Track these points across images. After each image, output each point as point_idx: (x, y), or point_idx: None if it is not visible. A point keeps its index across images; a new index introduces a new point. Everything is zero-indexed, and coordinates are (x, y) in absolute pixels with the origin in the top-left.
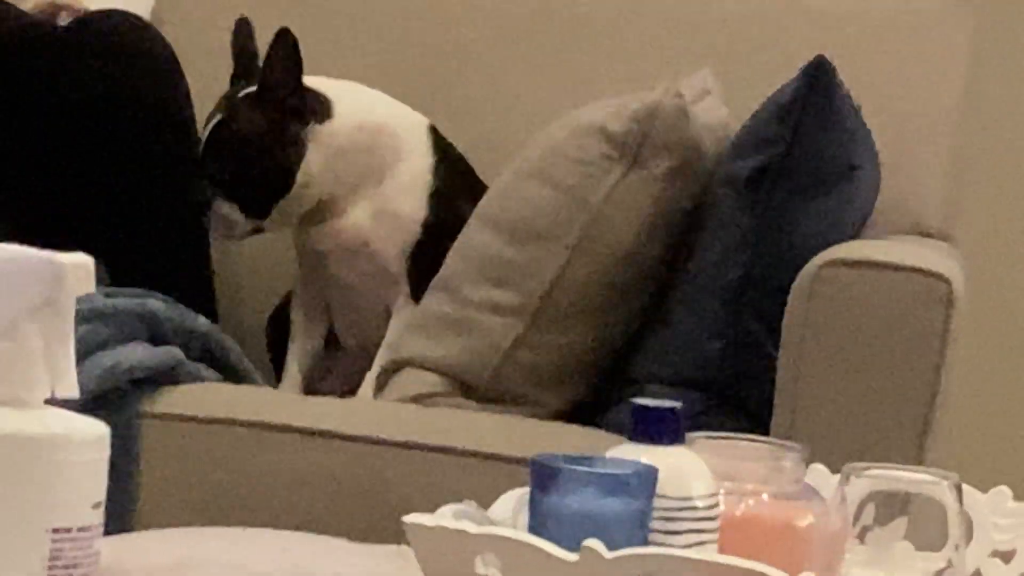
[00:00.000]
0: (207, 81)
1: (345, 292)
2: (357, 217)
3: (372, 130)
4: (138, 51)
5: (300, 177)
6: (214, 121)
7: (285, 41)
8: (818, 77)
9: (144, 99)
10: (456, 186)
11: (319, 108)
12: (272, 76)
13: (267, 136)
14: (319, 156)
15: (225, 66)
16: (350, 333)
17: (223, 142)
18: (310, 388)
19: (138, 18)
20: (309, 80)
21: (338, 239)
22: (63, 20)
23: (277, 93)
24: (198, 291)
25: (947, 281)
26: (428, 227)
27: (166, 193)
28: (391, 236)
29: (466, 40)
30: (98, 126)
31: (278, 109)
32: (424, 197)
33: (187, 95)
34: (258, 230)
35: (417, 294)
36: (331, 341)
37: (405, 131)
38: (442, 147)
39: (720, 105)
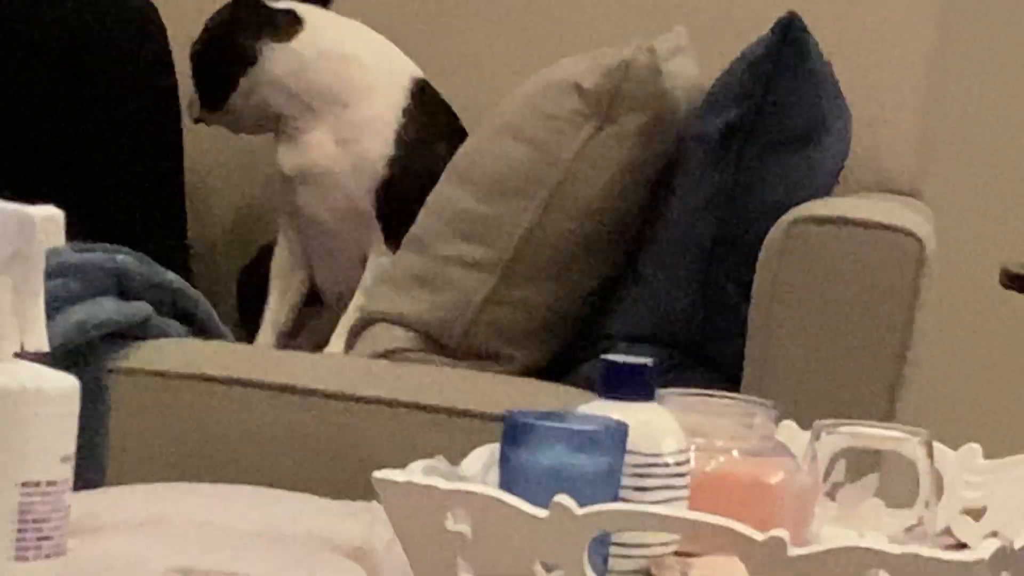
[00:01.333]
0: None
1: (321, 235)
2: (319, 140)
3: (337, 59)
4: (117, 7)
5: (243, 85)
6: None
7: None
8: (789, 33)
9: (122, 52)
10: (432, 133)
11: (283, 28)
12: None
13: (220, 39)
14: (269, 70)
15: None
16: (329, 282)
17: (201, 30)
18: (284, 344)
19: None
20: (296, 5)
21: (302, 160)
22: None
23: (241, 3)
24: (172, 247)
25: (918, 238)
26: (394, 165)
27: (141, 147)
28: (355, 168)
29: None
30: (73, 77)
31: (236, 18)
32: (390, 135)
33: (166, 50)
34: (206, 121)
35: (391, 239)
36: (309, 299)
37: (380, 70)
38: (424, 97)
39: (693, 62)
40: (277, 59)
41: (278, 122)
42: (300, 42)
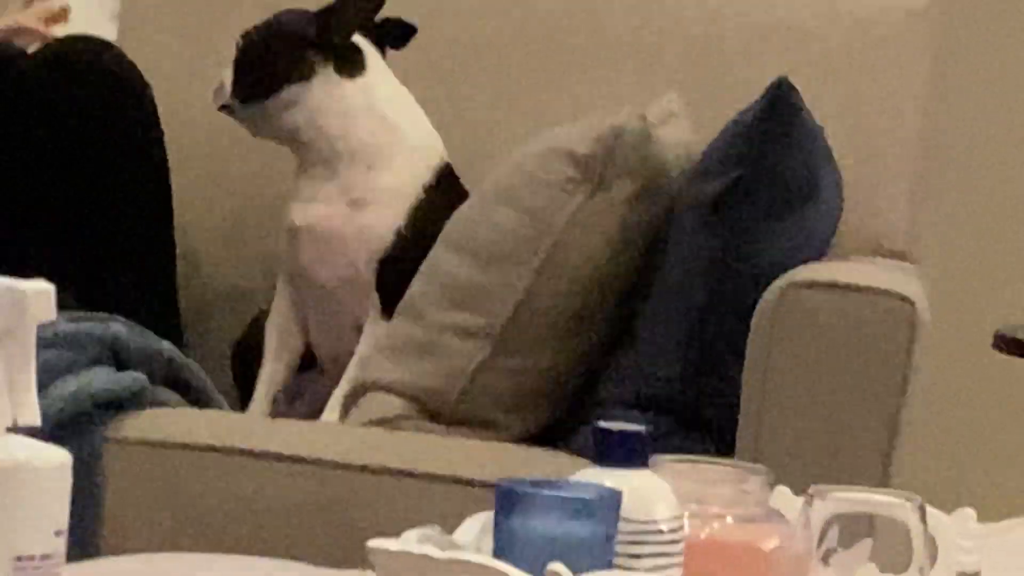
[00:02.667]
0: (170, 104)
1: (319, 296)
2: (333, 197)
3: (380, 118)
4: (108, 77)
5: (285, 94)
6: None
7: None
8: (780, 98)
9: (112, 124)
10: (444, 215)
11: (347, 63)
12: (340, 4)
13: (288, 39)
14: (316, 96)
15: (187, 89)
16: (324, 344)
17: (267, 20)
18: (281, 411)
19: (107, 43)
20: (366, 47)
21: (311, 215)
22: (25, 44)
23: (330, 20)
24: (165, 315)
25: (911, 302)
26: (401, 239)
27: (133, 217)
28: (361, 234)
29: (436, 65)
30: (66, 151)
31: (319, 30)
32: (405, 208)
33: (156, 119)
34: (231, 110)
35: (387, 310)
36: (305, 364)
37: (413, 143)
38: (446, 179)
39: (686, 128)
40: (329, 91)
41: (296, 153)
42: (355, 86)
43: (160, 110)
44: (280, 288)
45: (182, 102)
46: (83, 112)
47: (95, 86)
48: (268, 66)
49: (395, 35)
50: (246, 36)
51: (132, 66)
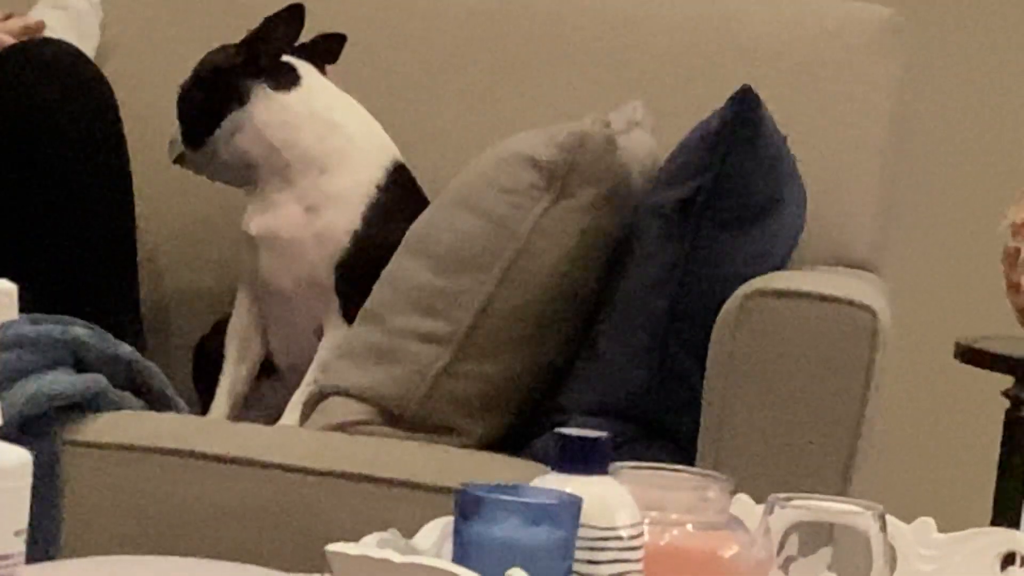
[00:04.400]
0: (149, 118)
1: (279, 302)
2: (289, 204)
3: (324, 124)
4: (71, 78)
5: (227, 124)
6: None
7: (294, 15)
8: (744, 107)
9: (74, 125)
10: (400, 214)
11: (280, 79)
12: (261, 31)
13: (217, 73)
14: (257, 114)
15: (166, 106)
16: (283, 351)
17: (195, 67)
18: (239, 416)
19: (71, 46)
20: (298, 63)
21: (268, 223)
22: None
23: (253, 45)
24: (126, 318)
25: (872, 312)
26: (359, 241)
27: (94, 219)
28: (319, 239)
29: (398, 72)
30: (26, 150)
31: (244, 57)
32: (359, 210)
33: (118, 122)
34: (186, 159)
35: (347, 314)
36: (263, 371)
37: (362, 144)
38: (400, 178)
39: (649, 136)
40: (268, 106)
41: (252, 175)
42: (293, 97)
43: (123, 112)
44: (240, 295)
45: (146, 105)
46: (41, 109)
47: (53, 84)
48: (205, 104)
49: (326, 50)
50: (181, 88)
51: (92, 66)
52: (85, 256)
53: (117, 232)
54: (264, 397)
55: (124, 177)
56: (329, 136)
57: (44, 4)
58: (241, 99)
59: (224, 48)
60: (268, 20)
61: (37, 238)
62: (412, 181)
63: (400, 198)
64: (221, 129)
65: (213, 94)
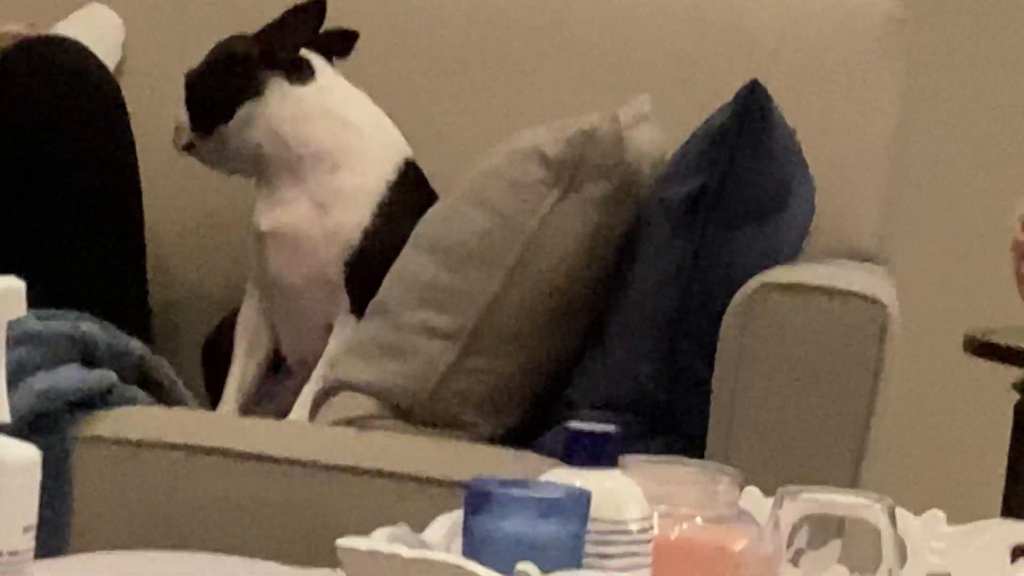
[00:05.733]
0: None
1: (287, 298)
2: (299, 200)
3: (337, 120)
4: (79, 76)
5: (241, 114)
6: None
7: (316, 8)
8: (752, 101)
9: (82, 122)
10: (411, 212)
11: (298, 73)
12: (281, 22)
13: (233, 61)
14: (272, 107)
15: (157, 89)
16: (292, 346)
17: (208, 53)
18: (248, 411)
19: (80, 44)
20: (314, 57)
21: (277, 219)
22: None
23: (273, 37)
24: (134, 313)
25: (882, 305)
26: (368, 238)
27: (102, 215)
28: (329, 235)
29: (405, 69)
30: (35, 148)
31: (262, 48)
32: (370, 207)
33: (126, 119)
34: (194, 147)
35: (357, 310)
36: (273, 366)
37: (374, 142)
38: (411, 176)
39: (657, 131)
40: (283, 100)
41: (262, 169)
42: (308, 92)
43: (131, 110)
44: (249, 291)
45: (153, 102)
46: (54, 108)
47: (65, 83)
48: (219, 92)
49: (338, 45)
50: (190, 74)
51: (100, 64)
52: (93, 251)
53: (125, 228)
54: (274, 392)
55: (132, 173)
56: (342, 133)
57: (70, 20)
58: (257, 90)
59: (241, 36)
60: (289, 11)
61: (45, 235)
62: (423, 178)
63: (411, 195)
64: (234, 119)
65: (228, 82)
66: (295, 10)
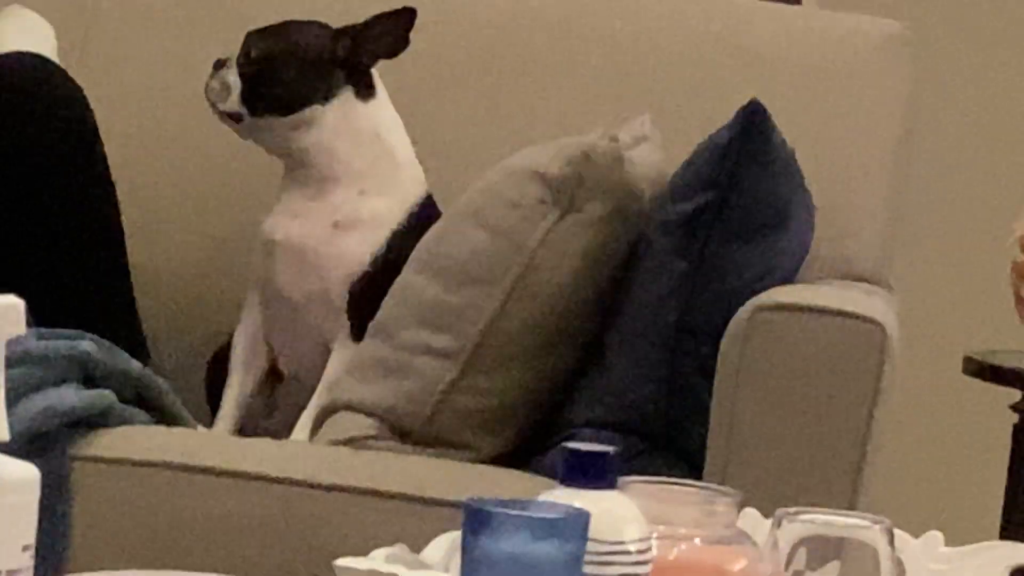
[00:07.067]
0: (141, 117)
1: (287, 312)
2: (320, 216)
3: (383, 145)
4: (47, 91)
5: (305, 114)
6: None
7: (407, 19)
8: (752, 121)
9: (56, 138)
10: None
11: (364, 88)
12: (369, 28)
13: (314, 57)
14: (333, 118)
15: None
16: (287, 359)
17: (283, 31)
18: (252, 425)
19: (45, 59)
20: (375, 73)
21: (293, 230)
22: None
23: (360, 42)
24: (126, 333)
25: (881, 326)
26: (376, 264)
27: (84, 232)
28: (341, 257)
29: (406, 87)
30: (11, 167)
31: (349, 51)
32: (386, 235)
33: (96, 133)
34: (235, 118)
35: (357, 334)
36: (276, 377)
37: (404, 173)
38: (429, 210)
39: (657, 150)
40: (345, 113)
41: (293, 172)
42: (367, 110)
43: (131, 123)
44: (250, 300)
45: (154, 115)
46: (27, 126)
47: (35, 100)
48: (291, 85)
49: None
50: (263, 45)
51: (72, 81)
52: (77, 270)
53: (105, 246)
54: (274, 405)
55: (105, 187)
56: (381, 158)
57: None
58: (326, 95)
59: (320, 28)
60: (379, 18)
61: (30, 255)
62: (438, 214)
63: (424, 228)
64: (295, 115)
65: (303, 78)
66: (385, 17)
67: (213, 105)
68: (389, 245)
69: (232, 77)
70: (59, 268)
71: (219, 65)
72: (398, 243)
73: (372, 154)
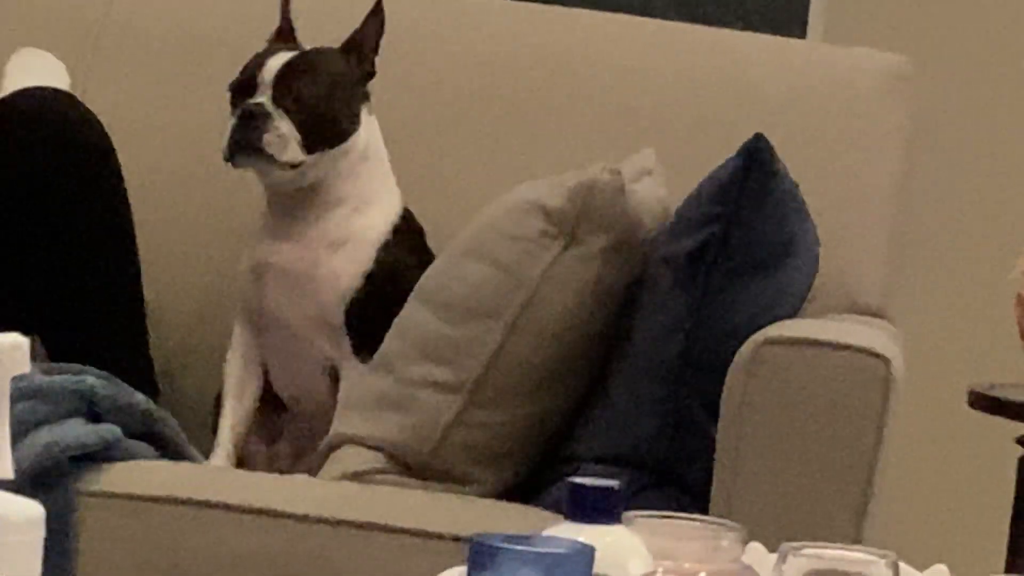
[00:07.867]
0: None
1: (282, 337)
2: (311, 239)
3: (376, 159)
4: (67, 126)
5: (351, 140)
6: (277, 56)
7: (379, 9)
8: (756, 155)
9: (75, 174)
10: (409, 258)
11: (369, 99)
12: (363, 35)
13: (345, 84)
14: (363, 140)
15: (150, 137)
16: (285, 385)
17: (305, 72)
18: (254, 452)
19: (65, 94)
20: None
21: (288, 255)
22: None
23: (361, 51)
24: (137, 368)
25: (885, 359)
26: (370, 282)
27: (100, 267)
28: (334, 277)
29: (408, 121)
30: (29, 203)
31: (360, 68)
32: (373, 250)
33: (118, 168)
34: (296, 164)
35: (359, 352)
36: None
37: (386, 185)
38: (409, 223)
39: (660, 184)
40: (368, 132)
41: (301, 198)
42: (372, 123)
43: (137, 163)
44: (238, 329)
45: (160, 155)
46: (46, 162)
47: (55, 135)
48: (339, 114)
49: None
50: (301, 85)
51: (92, 116)
52: (93, 304)
53: (122, 279)
54: (284, 430)
55: (125, 224)
56: (377, 173)
57: (19, 70)
58: (355, 119)
59: (333, 51)
60: (364, 22)
61: (45, 289)
62: (420, 229)
63: (410, 241)
64: (346, 144)
65: (346, 103)
66: (369, 17)
67: (270, 158)
68: (379, 262)
69: (285, 126)
70: (76, 300)
71: (251, 115)
72: (387, 259)
73: (367, 171)
